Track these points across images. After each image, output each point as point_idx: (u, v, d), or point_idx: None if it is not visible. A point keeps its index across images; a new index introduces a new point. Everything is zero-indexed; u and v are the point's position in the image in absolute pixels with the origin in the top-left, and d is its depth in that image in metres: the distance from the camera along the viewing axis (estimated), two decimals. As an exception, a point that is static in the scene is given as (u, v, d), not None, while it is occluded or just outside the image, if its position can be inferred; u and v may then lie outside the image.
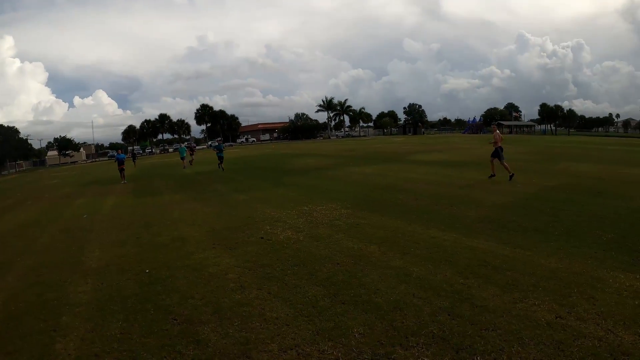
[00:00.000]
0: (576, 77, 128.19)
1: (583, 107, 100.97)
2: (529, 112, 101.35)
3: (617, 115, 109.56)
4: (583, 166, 13.63)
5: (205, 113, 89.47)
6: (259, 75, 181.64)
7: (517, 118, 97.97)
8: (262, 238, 6.14)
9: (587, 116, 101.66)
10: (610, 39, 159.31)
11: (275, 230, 6.54)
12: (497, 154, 10.67)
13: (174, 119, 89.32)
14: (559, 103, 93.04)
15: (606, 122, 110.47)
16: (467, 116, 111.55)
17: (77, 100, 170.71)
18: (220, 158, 19.20)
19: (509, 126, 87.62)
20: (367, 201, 8.88)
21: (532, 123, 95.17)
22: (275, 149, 42.53)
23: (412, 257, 4.82)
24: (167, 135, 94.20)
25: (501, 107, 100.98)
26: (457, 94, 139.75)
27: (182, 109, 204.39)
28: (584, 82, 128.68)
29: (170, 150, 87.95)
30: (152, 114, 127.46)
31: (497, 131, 11.20)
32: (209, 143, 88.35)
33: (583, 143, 34.76)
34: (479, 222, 6.41)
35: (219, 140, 20.36)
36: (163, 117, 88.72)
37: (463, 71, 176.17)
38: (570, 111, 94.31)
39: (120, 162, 18.53)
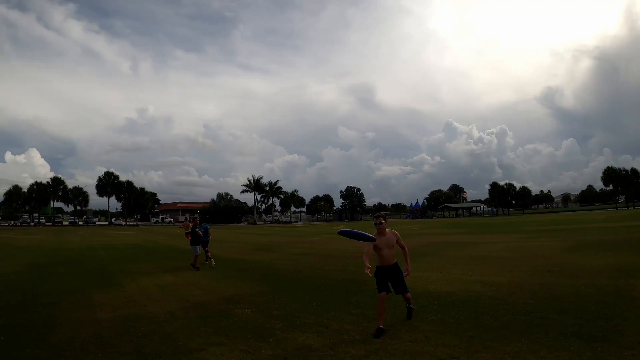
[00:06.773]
0: (501, 160, 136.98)
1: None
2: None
3: (549, 192, 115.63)
4: None
5: (108, 183, 76.86)
6: (197, 154, 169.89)
7: (464, 199, 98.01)
8: None
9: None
10: (530, 123, 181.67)
11: None
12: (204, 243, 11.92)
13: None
14: (487, 184, 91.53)
15: (546, 198, 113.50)
16: (399, 201, 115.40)
17: (8, 155, 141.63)
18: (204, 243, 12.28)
19: (455, 208, 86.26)
20: None
21: (472, 204, 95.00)
22: (181, 233, 28.81)
23: None
24: (60, 204, 78.85)
25: (430, 191, 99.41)
26: (389, 180, 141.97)
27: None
28: (509, 164, 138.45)
29: (66, 223, 72.82)
30: (86, 182, 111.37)
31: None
32: (113, 219, 75.03)
33: (584, 222, 29.43)
34: None
35: (195, 217, 12.33)
36: (57, 182, 74.28)
37: (395, 158, 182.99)
38: (524, 188, 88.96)
39: None
